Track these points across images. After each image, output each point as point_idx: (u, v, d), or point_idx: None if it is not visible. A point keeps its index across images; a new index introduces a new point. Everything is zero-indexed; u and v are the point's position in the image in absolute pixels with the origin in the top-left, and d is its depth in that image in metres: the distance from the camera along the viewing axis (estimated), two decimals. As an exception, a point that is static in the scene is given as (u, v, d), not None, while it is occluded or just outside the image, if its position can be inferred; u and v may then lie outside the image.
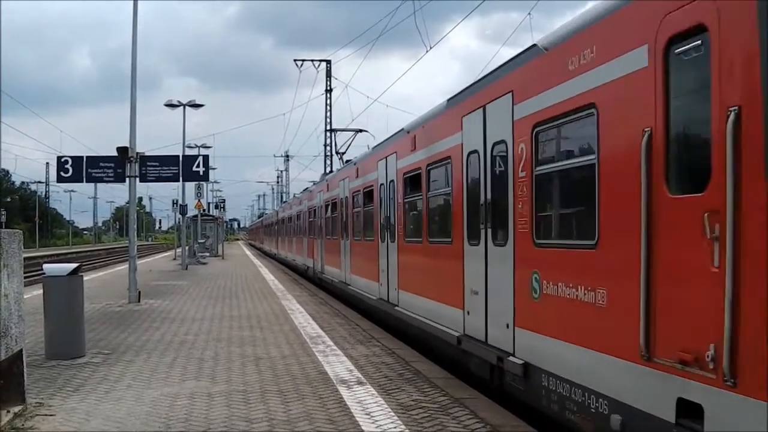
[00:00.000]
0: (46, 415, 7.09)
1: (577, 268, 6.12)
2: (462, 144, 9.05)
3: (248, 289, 22.39)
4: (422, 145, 11.01)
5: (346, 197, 18.37)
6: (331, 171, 30.10)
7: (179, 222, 44.95)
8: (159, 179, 18.76)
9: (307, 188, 32.50)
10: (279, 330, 12.91)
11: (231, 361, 9.83)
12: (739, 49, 4.19)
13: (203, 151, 44.46)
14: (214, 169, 55.76)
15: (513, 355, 7.33)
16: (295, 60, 44.65)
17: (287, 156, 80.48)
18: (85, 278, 11.57)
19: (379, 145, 15.61)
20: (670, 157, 4.78)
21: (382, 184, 13.95)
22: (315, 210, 25.15)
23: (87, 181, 19.09)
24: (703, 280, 4.34)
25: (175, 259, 44.74)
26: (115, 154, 17.92)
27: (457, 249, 9.11)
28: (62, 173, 18.06)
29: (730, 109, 4.16)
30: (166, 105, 35.15)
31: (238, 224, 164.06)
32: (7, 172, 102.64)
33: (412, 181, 11.68)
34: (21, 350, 7.22)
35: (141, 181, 18.49)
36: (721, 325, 4.15)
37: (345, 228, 18.53)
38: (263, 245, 69.38)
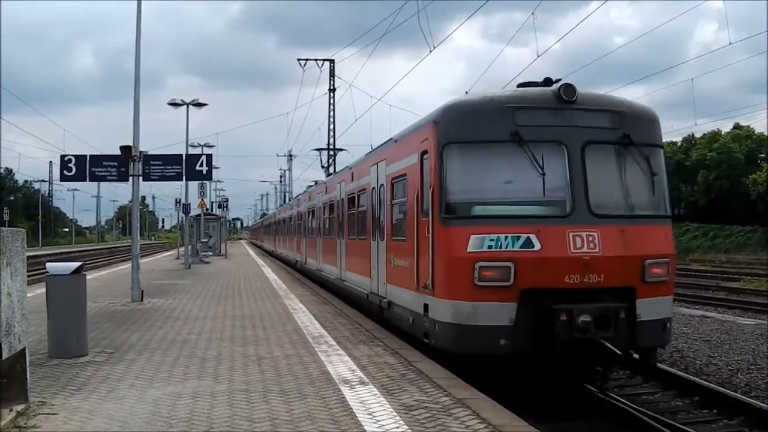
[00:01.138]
0: (48, 413, 7.11)
1: (402, 250, 11.64)
2: (370, 182, 14.75)
3: (251, 288, 22.40)
4: (356, 179, 16.64)
5: (321, 206, 23.64)
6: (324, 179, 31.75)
7: (182, 221, 45.00)
8: (162, 178, 18.62)
9: (297, 195, 36.95)
10: (282, 329, 12.91)
11: (233, 361, 9.83)
12: (434, 163, 9.74)
13: (206, 150, 44.48)
14: (217, 168, 55.75)
15: (385, 298, 12.87)
16: (298, 59, 44.21)
17: (290, 155, 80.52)
18: (88, 277, 11.57)
19: (338, 172, 22.69)
20: (423, 203, 10.24)
21: (338, 200, 19.40)
22: (301, 215, 30.59)
23: (90, 180, 18.97)
24: (428, 254, 9.84)
25: (178, 258, 44.77)
26: (119, 152, 17.85)
27: (368, 242, 14.72)
28: (65, 172, 17.98)
29: (432, 186, 9.74)
30: (170, 104, 35.04)
31: (241, 223, 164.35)
32: (11, 170, 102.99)
33: (352, 200, 17.18)
34: (24, 349, 7.23)
35: (144, 180, 18.40)
36: (429, 271, 9.80)
37: (320, 230, 23.94)
38: (263, 243, 71.18)
